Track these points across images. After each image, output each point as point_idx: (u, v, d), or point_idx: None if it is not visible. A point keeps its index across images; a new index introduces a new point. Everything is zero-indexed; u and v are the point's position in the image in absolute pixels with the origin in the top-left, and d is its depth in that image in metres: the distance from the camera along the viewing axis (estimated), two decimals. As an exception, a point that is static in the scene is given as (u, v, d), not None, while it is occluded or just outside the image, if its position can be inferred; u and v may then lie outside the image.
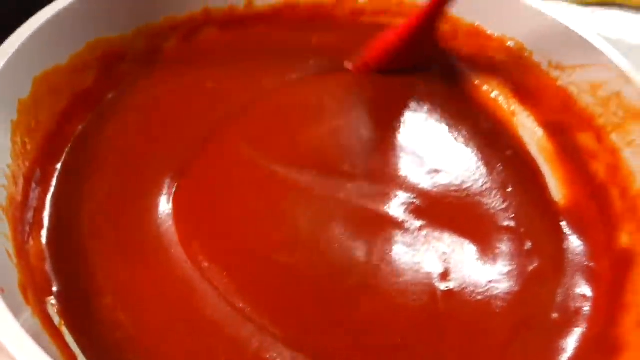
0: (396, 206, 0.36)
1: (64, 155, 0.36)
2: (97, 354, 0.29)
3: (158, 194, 0.34)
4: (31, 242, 0.32)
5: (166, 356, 0.29)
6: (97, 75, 0.39)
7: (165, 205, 0.34)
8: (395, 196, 0.36)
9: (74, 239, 0.32)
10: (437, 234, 0.35)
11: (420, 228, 0.35)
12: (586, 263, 0.35)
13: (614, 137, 0.37)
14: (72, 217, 0.33)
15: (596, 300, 0.34)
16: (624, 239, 0.35)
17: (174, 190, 0.35)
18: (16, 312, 0.25)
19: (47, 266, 0.31)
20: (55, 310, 0.30)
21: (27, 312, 0.27)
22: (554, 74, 0.40)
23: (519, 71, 0.42)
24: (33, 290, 0.29)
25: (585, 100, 0.39)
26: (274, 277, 0.32)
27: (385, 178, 0.37)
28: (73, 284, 0.31)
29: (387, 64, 0.43)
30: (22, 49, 0.33)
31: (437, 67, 0.44)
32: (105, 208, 0.34)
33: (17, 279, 0.28)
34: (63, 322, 0.29)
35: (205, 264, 0.32)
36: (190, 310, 0.30)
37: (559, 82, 0.40)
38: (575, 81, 0.39)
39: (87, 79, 0.38)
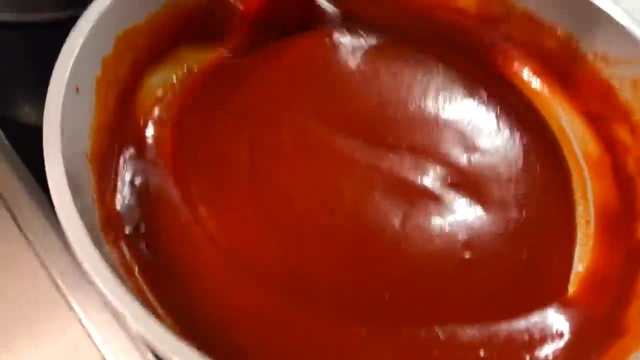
0: (433, 180, 0.39)
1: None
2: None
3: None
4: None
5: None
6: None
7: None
8: (434, 170, 0.40)
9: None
10: (466, 208, 0.38)
11: (453, 202, 0.38)
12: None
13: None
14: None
15: (608, 285, 0.37)
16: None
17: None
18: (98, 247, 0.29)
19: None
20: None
21: (106, 248, 0.32)
22: (599, 65, 0.42)
23: (564, 59, 0.44)
24: (110, 232, 0.34)
25: (625, 95, 0.41)
26: (313, 236, 0.36)
27: (426, 152, 0.40)
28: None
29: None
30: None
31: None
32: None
33: (98, 219, 0.33)
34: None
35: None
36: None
37: (603, 75, 0.42)
38: (618, 75, 0.41)
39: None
